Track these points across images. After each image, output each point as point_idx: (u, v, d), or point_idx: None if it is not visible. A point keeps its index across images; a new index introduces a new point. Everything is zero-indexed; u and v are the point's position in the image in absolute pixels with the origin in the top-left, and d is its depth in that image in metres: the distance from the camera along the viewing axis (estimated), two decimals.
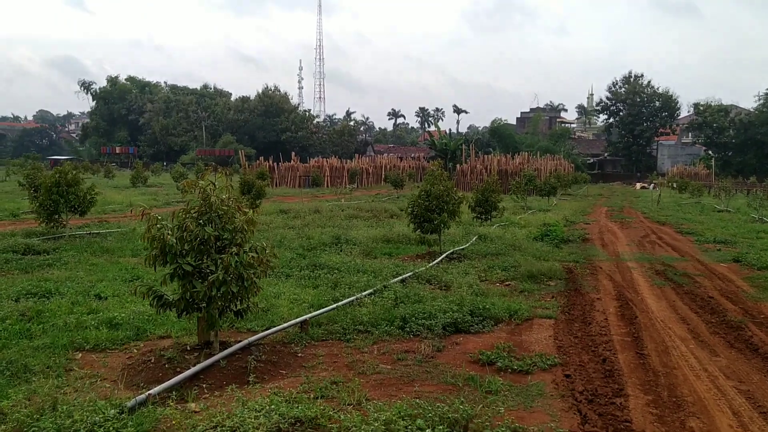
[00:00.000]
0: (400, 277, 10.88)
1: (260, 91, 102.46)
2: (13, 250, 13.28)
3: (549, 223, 20.77)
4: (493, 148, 75.25)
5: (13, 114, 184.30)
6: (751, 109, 75.63)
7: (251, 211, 6.31)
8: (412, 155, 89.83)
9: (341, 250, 14.15)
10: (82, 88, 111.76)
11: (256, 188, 23.60)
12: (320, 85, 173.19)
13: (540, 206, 31.14)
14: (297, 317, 8.20)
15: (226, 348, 6.70)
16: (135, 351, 7.02)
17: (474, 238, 16.58)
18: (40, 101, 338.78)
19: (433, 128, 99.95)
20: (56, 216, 16.22)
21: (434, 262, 12.86)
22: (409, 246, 15.51)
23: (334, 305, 8.73)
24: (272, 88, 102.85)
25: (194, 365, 6.11)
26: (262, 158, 56.57)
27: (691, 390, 6.12)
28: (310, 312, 8.51)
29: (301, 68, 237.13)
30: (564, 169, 57.54)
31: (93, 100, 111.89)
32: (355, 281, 10.48)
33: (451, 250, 14.46)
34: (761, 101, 74.18)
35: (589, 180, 64.48)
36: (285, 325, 7.74)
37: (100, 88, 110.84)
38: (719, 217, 26.82)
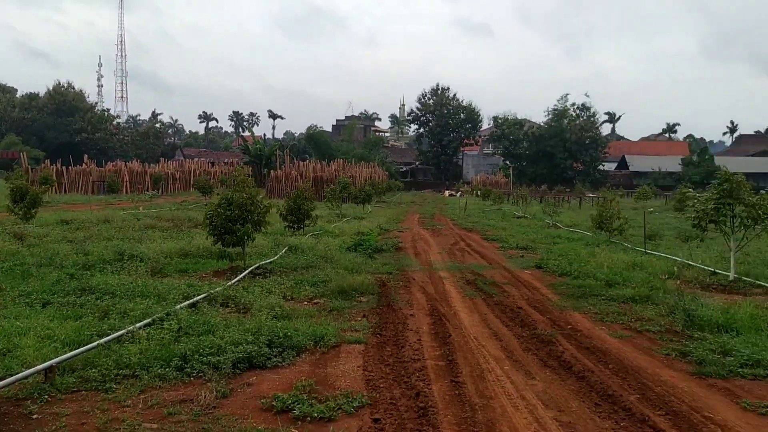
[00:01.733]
0: (190, 301, 9.31)
1: (51, 87, 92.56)
2: None
3: (363, 232, 20.19)
4: (310, 154, 74.68)
5: None
6: (542, 124, 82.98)
7: None
8: (225, 160, 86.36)
9: (123, 268, 12.12)
10: None
11: (30, 195, 20.28)
12: (122, 83, 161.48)
13: (355, 213, 30.74)
14: (44, 361, 6.36)
15: None
16: None
17: (283, 250, 15.34)
18: None
19: (247, 133, 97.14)
20: None
21: (234, 280, 11.42)
22: (209, 261, 13.84)
23: (95, 343, 6.97)
24: (65, 85, 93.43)
25: None
26: (48, 161, 50.36)
27: (510, 428, 5.41)
28: (64, 353, 6.71)
29: (100, 65, 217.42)
30: (378, 176, 58.57)
31: None
32: (131, 309, 8.69)
33: (256, 265, 13.10)
34: (549, 116, 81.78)
35: (402, 187, 66.38)
36: (17, 376, 5.89)
37: None
38: (519, 223, 28.24)
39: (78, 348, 6.85)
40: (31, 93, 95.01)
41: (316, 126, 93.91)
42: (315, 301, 10.53)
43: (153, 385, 6.20)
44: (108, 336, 7.28)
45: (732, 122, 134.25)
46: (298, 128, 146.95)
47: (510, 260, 16.13)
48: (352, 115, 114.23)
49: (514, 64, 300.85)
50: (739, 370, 6.92)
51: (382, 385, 6.43)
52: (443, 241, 20.61)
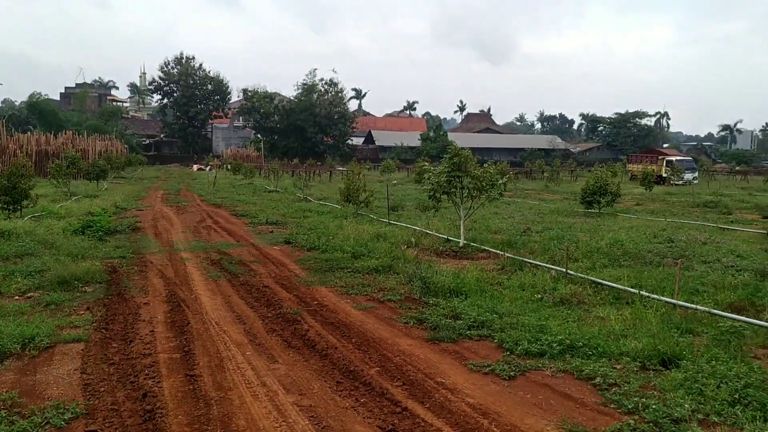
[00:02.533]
0: None
1: None
2: None
3: (94, 212, 18.19)
4: (34, 125, 65.92)
5: None
6: (292, 98, 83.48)
7: None
8: None
9: None
10: None
11: None
12: None
13: (87, 191, 27.71)
14: None
15: None
16: None
17: None
18: None
19: None
20: None
21: None
22: None
23: None
24: None
25: None
26: None
27: (248, 420, 5.03)
28: None
29: None
30: (117, 150, 53.95)
31: None
32: None
33: None
34: (299, 91, 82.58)
35: (145, 162, 62.00)
36: None
37: None
38: (270, 198, 27.95)
39: None
40: None
41: (40, 94, 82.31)
42: (28, 294, 9.05)
43: None
44: None
45: (461, 101, 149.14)
46: (20, 96, 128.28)
47: (259, 236, 15.73)
48: (84, 83, 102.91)
49: (263, 37, 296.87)
50: (467, 332, 7.39)
51: (103, 389, 5.62)
52: (188, 219, 19.46)
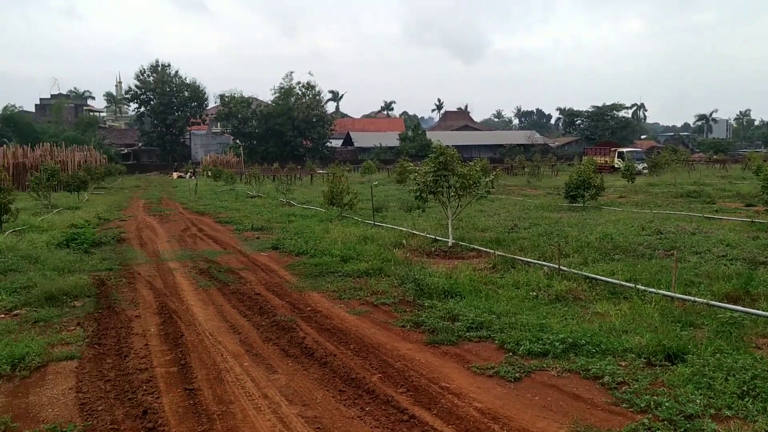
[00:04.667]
0: None
1: None
2: None
3: (77, 224, 17.92)
4: (9, 138, 64.87)
5: None
6: (270, 102, 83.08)
7: None
8: None
9: None
10: None
11: None
12: None
13: (69, 203, 27.27)
14: None
15: None
16: None
17: None
18: None
19: None
20: None
21: None
22: None
23: None
24: None
25: None
26: None
27: None
28: None
29: None
30: (96, 160, 53.31)
31: None
32: None
33: None
34: (276, 95, 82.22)
35: (124, 171, 61.42)
36: None
37: None
38: (253, 203, 27.74)
39: None
40: None
41: (14, 106, 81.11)
42: (15, 312, 8.82)
43: None
44: None
45: (439, 100, 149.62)
46: None
47: (245, 243, 15.57)
48: (60, 94, 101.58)
49: (234, 42, 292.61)
50: (467, 334, 7.31)
51: (101, 408, 5.47)
52: (172, 228, 19.22)
